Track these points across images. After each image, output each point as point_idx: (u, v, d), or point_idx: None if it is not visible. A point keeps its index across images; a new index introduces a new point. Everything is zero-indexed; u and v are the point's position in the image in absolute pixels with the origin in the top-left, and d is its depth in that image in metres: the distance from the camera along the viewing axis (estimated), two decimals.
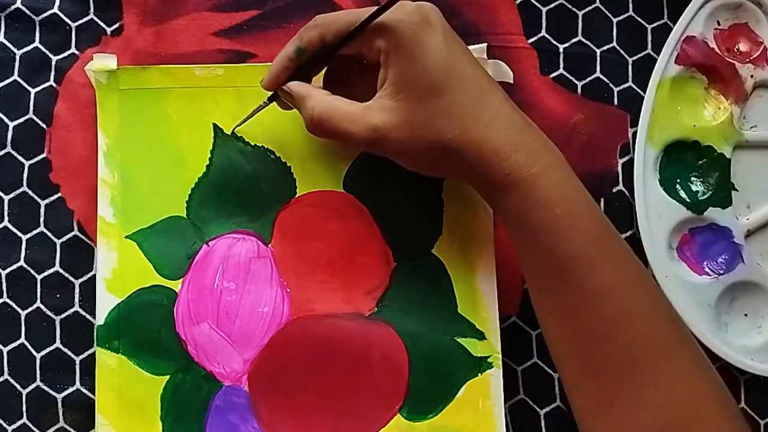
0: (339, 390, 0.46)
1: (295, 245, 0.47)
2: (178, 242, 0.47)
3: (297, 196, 0.47)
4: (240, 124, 0.47)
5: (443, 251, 0.47)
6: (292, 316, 0.46)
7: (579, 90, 0.50)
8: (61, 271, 0.47)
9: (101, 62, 0.47)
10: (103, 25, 0.49)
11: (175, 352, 0.46)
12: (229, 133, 0.47)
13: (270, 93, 0.44)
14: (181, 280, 0.46)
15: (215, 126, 0.47)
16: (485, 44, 0.47)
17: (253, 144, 0.47)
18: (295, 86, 0.42)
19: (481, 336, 0.46)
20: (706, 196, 0.49)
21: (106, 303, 0.46)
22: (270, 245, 0.47)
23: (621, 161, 0.49)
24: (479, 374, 0.46)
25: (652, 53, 0.50)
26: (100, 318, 0.46)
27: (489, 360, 0.46)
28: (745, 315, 0.49)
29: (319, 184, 0.47)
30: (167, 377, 0.46)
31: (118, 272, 0.46)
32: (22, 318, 0.47)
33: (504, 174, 0.39)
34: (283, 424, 0.46)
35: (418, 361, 0.46)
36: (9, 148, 0.48)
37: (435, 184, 0.47)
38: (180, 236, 0.47)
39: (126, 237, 0.46)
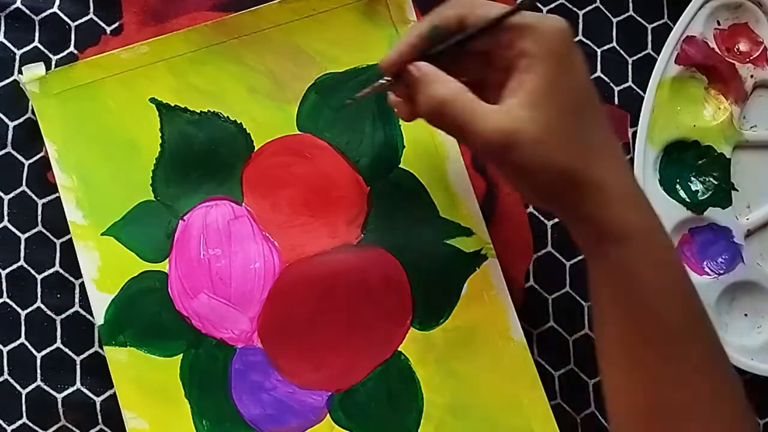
0: (348, 321, 0.47)
1: (268, 197, 0.47)
2: (154, 225, 0.47)
3: (256, 149, 0.48)
4: (356, 99, 0.43)
5: (410, 162, 0.48)
6: (284, 264, 0.47)
7: None
8: (61, 271, 0.47)
9: (30, 72, 0.47)
10: (103, 25, 0.49)
11: (181, 330, 0.46)
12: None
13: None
14: (167, 260, 0.47)
15: (157, 103, 0.47)
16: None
17: (198, 111, 0.48)
18: (424, 66, 0.38)
19: (468, 232, 0.47)
20: (706, 196, 0.49)
21: (100, 302, 0.46)
22: (244, 204, 0.47)
23: None
24: (477, 269, 0.47)
25: (652, 53, 0.50)
26: (99, 318, 0.46)
27: (482, 252, 0.47)
28: (745, 315, 0.49)
29: (273, 132, 0.48)
30: (180, 356, 0.46)
31: (103, 270, 0.46)
32: (22, 318, 0.47)
33: (623, 222, 0.36)
34: (305, 367, 0.46)
35: (416, 273, 0.47)
36: (9, 148, 0.48)
37: (384, 103, 0.45)
38: (154, 219, 0.47)
39: (102, 234, 0.46)
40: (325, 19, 0.48)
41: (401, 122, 0.48)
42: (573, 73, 0.37)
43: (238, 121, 0.48)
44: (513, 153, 0.36)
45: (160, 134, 0.47)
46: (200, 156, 0.47)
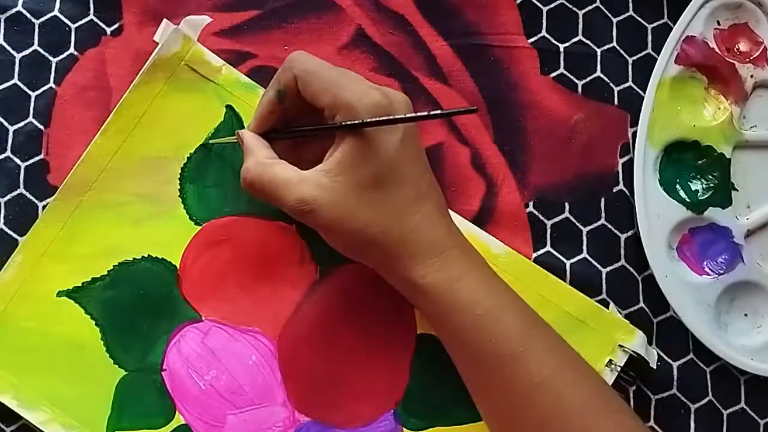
0: (361, 345, 0.46)
1: (219, 298, 0.46)
2: (143, 395, 0.45)
3: (179, 267, 0.46)
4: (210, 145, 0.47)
5: None
6: (275, 340, 0.46)
7: (579, 90, 0.50)
8: None
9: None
10: (103, 26, 0.48)
11: None
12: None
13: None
14: (177, 413, 0.45)
15: (65, 294, 0.46)
16: None
17: (106, 272, 0.46)
18: (246, 137, 0.43)
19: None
20: (706, 196, 0.49)
21: None
22: (203, 317, 0.46)
23: (621, 161, 0.49)
24: None
25: (652, 53, 0.50)
26: None
27: None
28: (745, 315, 0.49)
29: (180, 243, 0.47)
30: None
31: None
32: None
33: (420, 276, 0.41)
34: (353, 408, 0.46)
35: None
36: (9, 152, 0.47)
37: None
38: (140, 391, 0.45)
39: None
40: (151, 118, 0.47)
41: None
42: (377, 147, 0.40)
43: (146, 255, 0.46)
44: (312, 216, 0.40)
45: (89, 318, 0.46)
46: (137, 307, 0.46)
